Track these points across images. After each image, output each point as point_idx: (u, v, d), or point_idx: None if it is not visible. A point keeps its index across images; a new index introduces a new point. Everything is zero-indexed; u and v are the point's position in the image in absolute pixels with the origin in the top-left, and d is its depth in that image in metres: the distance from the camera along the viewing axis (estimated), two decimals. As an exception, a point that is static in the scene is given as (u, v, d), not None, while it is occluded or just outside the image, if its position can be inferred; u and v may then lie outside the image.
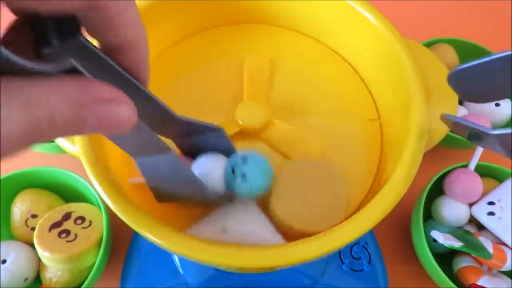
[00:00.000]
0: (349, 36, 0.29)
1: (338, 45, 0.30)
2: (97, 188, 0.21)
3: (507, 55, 0.18)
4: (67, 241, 0.29)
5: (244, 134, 0.26)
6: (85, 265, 0.30)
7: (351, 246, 0.33)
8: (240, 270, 0.30)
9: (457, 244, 0.28)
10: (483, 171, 0.33)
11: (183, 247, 0.19)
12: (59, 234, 0.29)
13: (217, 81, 0.28)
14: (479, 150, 0.32)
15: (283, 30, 0.31)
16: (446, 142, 0.36)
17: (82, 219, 0.31)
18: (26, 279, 0.31)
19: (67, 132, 0.11)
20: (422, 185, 0.33)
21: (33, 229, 0.31)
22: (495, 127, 0.38)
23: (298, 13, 0.30)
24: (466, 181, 0.32)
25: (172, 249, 0.19)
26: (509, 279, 0.30)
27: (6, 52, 0.10)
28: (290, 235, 0.22)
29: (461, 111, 0.38)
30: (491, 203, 0.31)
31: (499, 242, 0.31)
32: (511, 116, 0.38)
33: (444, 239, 0.27)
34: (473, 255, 0.30)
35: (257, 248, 0.19)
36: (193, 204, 0.23)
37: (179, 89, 0.28)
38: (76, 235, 0.29)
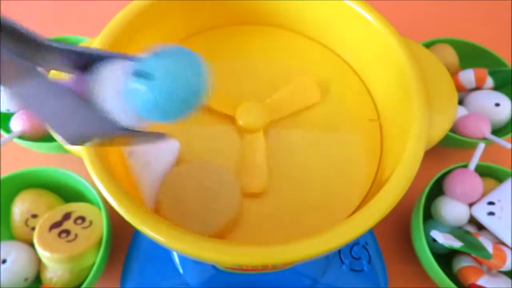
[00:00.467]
0: (349, 36, 0.29)
1: (337, 45, 0.30)
2: (98, 185, 0.21)
3: None
4: (67, 241, 0.29)
5: (246, 134, 0.26)
6: (85, 265, 0.30)
7: (351, 246, 0.33)
8: (240, 268, 0.30)
9: (457, 244, 0.28)
10: (483, 171, 0.33)
11: (184, 244, 0.19)
12: (59, 234, 0.29)
13: (217, 82, 0.28)
14: (479, 150, 0.32)
15: (282, 31, 0.31)
16: (446, 142, 0.37)
17: (82, 219, 0.31)
18: (26, 279, 0.31)
19: None
20: (422, 185, 0.33)
21: (33, 229, 0.31)
22: (495, 127, 0.38)
23: (297, 14, 0.30)
24: (466, 181, 0.32)
25: (173, 246, 0.19)
26: (509, 279, 0.30)
27: None
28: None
29: (461, 111, 0.38)
30: (491, 203, 0.31)
31: (499, 242, 0.31)
32: (511, 116, 0.38)
33: (444, 239, 0.27)
34: (473, 255, 0.30)
35: (258, 246, 0.19)
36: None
37: None
38: (76, 235, 0.29)
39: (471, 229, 0.32)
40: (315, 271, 0.32)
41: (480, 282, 0.29)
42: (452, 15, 0.53)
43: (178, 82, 0.14)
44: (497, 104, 0.37)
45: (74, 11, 0.52)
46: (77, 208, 0.31)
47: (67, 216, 0.31)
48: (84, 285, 0.29)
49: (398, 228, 0.38)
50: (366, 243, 0.34)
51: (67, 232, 0.29)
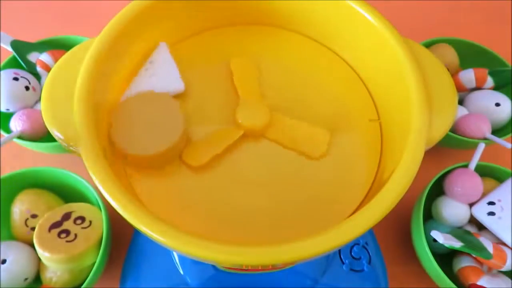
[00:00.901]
0: (349, 36, 0.29)
1: (337, 45, 0.30)
2: (97, 185, 0.21)
3: None
4: (66, 241, 0.29)
5: (248, 135, 0.26)
6: (85, 265, 0.30)
7: (351, 246, 0.33)
8: (240, 268, 0.30)
9: (457, 244, 0.28)
10: (483, 171, 0.33)
11: (183, 243, 0.19)
12: (59, 234, 0.29)
13: (215, 84, 0.28)
14: (480, 150, 0.32)
15: (281, 31, 0.31)
16: (446, 142, 0.36)
17: (82, 219, 0.31)
18: (26, 279, 0.31)
19: None
20: (422, 185, 0.33)
21: (33, 229, 0.31)
22: (495, 127, 0.38)
23: (297, 14, 0.30)
24: (466, 181, 0.32)
25: (173, 245, 0.19)
26: (509, 279, 0.30)
27: None
28: (130, 160, 0.24)
29: (461, 111, 0.38)
30: (491, 203, 0.31)
31: (499, 242, 0.31)
32: (511, 116, 0.38)
33: (444, 239, 0.27)
34: (473, 255, 0.30)
35: (257, 246, 0.19)
36: None
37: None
38: (76, 235, 0.29)
39: (471, 229, 0.32)
40: (315, 271, 0.32)
41: (480, 282, 0.29)
42: (452, 15, 0.53)
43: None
44: (498, 104, 0.37)
45: (74, 11, 0.52)
46: (77, 208, 0.31)
47: (66, 216, 0.30)
48: (84, 285, 0.29)
49: (398, 228, 0.38)
50: (366, 243, 0.34)
51: (67, 232, 0.29)
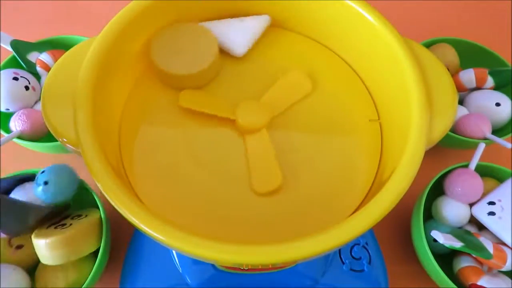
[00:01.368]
0: (349, 36, 0.29)
1: (337, 45, 0.30)
2: (97, 184, 0.21)
3: None
4: (62, 229, 0.29)
5: (248, 133, 0.26)
6: (84, 252, 0.29)
7: (351, 246, 0.33)
8: (240, 268, 0.30)
9: (457, 244, 0.28)
10: (483, 171, 0.33)
11: (183, 242, 0.19)
12: (55, 228, 0.29)
13: (215, 85, 0.28)
14: (480, 150, 0.32)
15: (281, 31, 0.31)
16: (446, 142, 0.36)
17: (79, 215, 0.31)
18: None
19: None
20: (422, 185, 0.33)
21: (18, 247, 0.31)
22: (495, 127, 0.38)
23: (297, 13, 0.30)
24: (466, 181, 0.32)
25: (173, 244, 0.19)
26: (509, 279, 0.30)
27: None
28: (166, 81, 0.27)
29: (462, 111, 0.38)
30: (491, 203, 0.31)
31: (499, 242, 0.31)
32: (511, 116, 0.38)
33: (444, 239, 0.27)
34: (473, 255, 0.30)
35: (257, 245, 0.19)
36: None
37: (174, 101, 0.27)
38: (71, 224, 0.29)
39: (472, 229, 0.32)
40: (315, 271, 0.32)
41: (480, 282, 0.29)
42: (452, 15, 0.53)
43: (60, 185, 0.29)
44: (498, 104, 0.37)
45: (74, 11, 0.52)
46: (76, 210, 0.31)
47: (65, 216, 0.31)
48: (84, 285, 0.29)
49: (398, 228, 0.38)
50: (367, 243, 0.34)
51: (63, 224, 0.29)
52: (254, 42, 0.29)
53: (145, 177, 0.24)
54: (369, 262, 0.33)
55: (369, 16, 0.26)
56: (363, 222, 0.20)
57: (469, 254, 0.31)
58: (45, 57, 0.38)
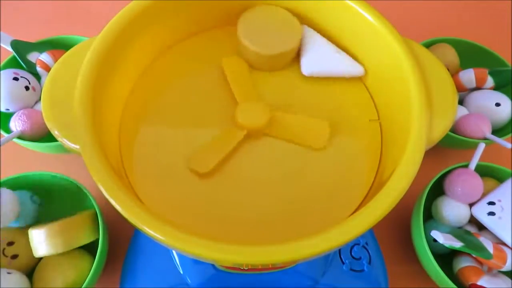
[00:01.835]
0: (349, 36, 0.29)
1: (337, 45, 0.30)
2: (98, 184, 0.21)
3: None
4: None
5: (251, 134, 0.26)
6: (81, 240, 0.29)
7: (351, 246, 0.33)
8: (240, 268, 0.30)
9: (457, 244, 0.28)
10: (483, 171, 0.33)
11: (183, 242, 0.19)
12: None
13: (212, 87, 0.28)
14: (480, 150, 0.32)
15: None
16: (446, 142, 0.37)
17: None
18: None
19: None
20: (422, 185, 0.33)
21: (13, 257, 0.30)
22: (495, 127, 0.38)
23: (296, 14, 0.30)
24: (466, 181, 0.32)
25: (173, 244, 0.19)
26: (509, 279, 0.30)
27: None
28: (252, 61, 0.28)
29: (461, 111, 0.38)
30: (491, 203, 0.31)
31: (499, 242, 0.31)
32: (511, 116, 0.38)
33: (444, 239, 0.27)
34: (473, 255, 0.30)
35: (257, 245, 0.19)
36: None
37: (174, 101, 0.27)
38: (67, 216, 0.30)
39: (472, 229, 0.32)
40: (315, 271, 0.32)
41: (480, 282, 0.29)
42: (452, 15, 0.53)
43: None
44: (498, 104, 0.37)
45: (74, 11, 0.52)
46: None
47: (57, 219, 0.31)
48: (84, 285, 0.29)
49: (398, 228, 0.38)
50: (367, 243, 0.34)
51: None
52: (323, 76, 0.29)
53: (145, 177, 0.24)
54: (369, 262, 0.33)
55: (369, 16, 0.26)
56: (363, 222, 0.20)
57: (469, 254, 0.31)
58: (45, 57, 0.38)
